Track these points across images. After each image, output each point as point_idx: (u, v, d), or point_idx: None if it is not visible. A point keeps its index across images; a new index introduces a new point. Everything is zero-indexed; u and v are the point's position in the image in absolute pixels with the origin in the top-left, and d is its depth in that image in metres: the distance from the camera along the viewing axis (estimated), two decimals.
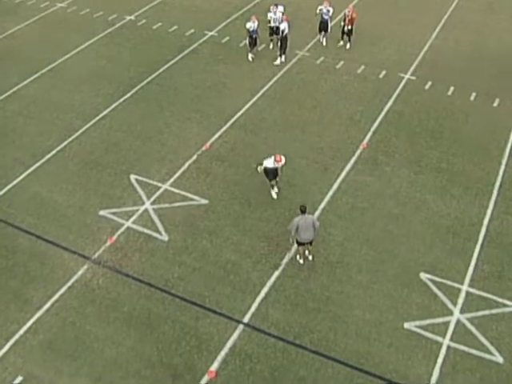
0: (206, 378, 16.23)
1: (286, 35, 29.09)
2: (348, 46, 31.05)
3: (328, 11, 30.39)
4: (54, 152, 24.46)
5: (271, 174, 21.23)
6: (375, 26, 33.46)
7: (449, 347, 16.85)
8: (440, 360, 16.56)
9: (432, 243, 19.94)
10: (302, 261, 19.27)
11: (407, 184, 22.28)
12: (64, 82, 29.20)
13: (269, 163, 20.98)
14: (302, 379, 16.16)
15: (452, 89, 27.87)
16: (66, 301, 18.46)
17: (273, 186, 21.75)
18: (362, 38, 31.79)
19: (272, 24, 30.02)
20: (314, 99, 27.25)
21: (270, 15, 29.99)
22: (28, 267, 19.56)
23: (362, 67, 29.55)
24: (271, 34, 30.66)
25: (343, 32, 30.85)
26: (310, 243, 18.83)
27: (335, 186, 22.20)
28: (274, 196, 21.74)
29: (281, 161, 20.78)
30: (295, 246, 19.30)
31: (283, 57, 29.85)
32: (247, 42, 30.19)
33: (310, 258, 19.37)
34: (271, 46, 31.08)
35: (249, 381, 16.14)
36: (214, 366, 16.50)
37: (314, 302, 18.06)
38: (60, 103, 27.56)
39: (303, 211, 18.36)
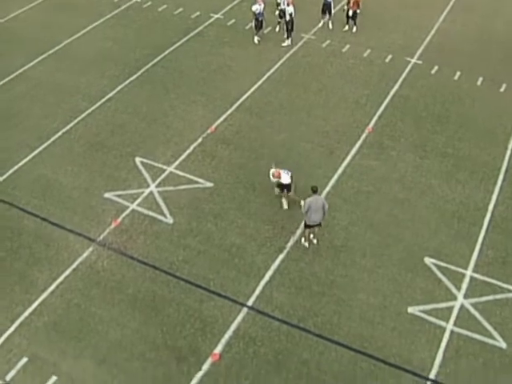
0: (209, 361, 16.31)
1: (292, 18, 28.95)
2: (354, 29, 30.87)
3: None
4: (59, 134, 24.45)
5: (284, 188, 20.53)
6: (382, 9, 33.26)
7: (452, 332, 16.89)
8: (443, 345, 16.61)
9: (437, 228, 19.93)
10: (307, 244, 19.29)
11: (413, 168, 22.23)
12: (70, 63, 29.13)
13: (285, 179, 20.23)
14: (305, 362, 16.22)
15: (458, 73, 27.71)
16: (70, 283, 18.53)
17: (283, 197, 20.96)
18: (368, 21, 31.59)
19: (282, 6, 29.76)
20: (320, 82, 27.15)
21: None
22: (33, 249, 19.62)
23: (368, 51, 29.39)
24: (281, 17, 30.43)
25: (347, 16, 30.67)
26: (319, 225, 18.80)
27: (340, 170, 22.17)
28: (285, 206, 20.88)
29: (279, 176, 20.02)
30: (302, 228, 19.31)
31: (290, 39, 29.70)
32: (253, 24, 30.04)
33: (315, 241, 19.35)
34: (277, 29, 30.93)
35: (252, 364, 16.22)
36: (218, 349, 16.57)
37: (319, 286, 18.09)
38: (65, 85, 27.52)
39: (315, 191, 18.32)
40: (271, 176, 20.24)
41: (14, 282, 18.65)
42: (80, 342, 16.87)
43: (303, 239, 19.41)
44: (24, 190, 21.77)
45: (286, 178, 20.06)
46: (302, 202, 19.29)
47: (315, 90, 26.67)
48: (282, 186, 20.38)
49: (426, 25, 31.63)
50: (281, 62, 28.67)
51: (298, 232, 19.66)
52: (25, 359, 16.50)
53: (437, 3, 33.86)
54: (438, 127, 24.23)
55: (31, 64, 29.18)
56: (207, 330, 17.02)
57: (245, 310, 17.55)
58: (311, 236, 19.34)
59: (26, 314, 17.70)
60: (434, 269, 18.60)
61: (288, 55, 29.13)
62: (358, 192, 21.28)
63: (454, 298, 17.75)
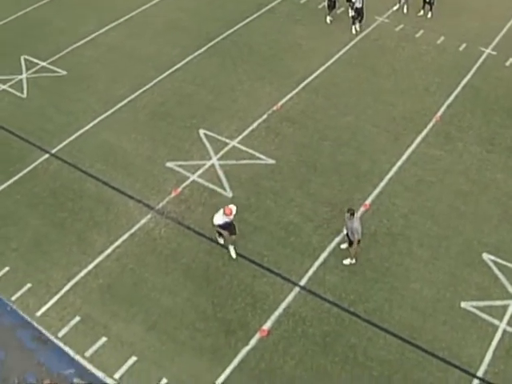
0: (257, 336, 16.40)
1: (362, 6, 28.46)
2: (429, 14, 30.23)
3: None
4: (126, 101, 24.76)
5: (227, 229, 18.07)
6: None
7: (505, 331, 16.54)
8: (494, 343, 16.29)
9: (498, 224, 19.49)
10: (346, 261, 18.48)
11: (478, 161, 21.75)
12: (141, 32, 29.40)
13: (218, 219, 17.77)
14: (352, 347, 16.16)
15: None
16: (127, 248, 18.84)
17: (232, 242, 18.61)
18: (444, 7, 30.86)
19: None
20: (390, 67, 26.73)
21: None
22: (93, 212, 19.99)
23: (442, 38, 28.76)
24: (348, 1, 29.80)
25: (424, 0, 30.05)
26: (350, 244, 17.90)
27: (404, 157, 21.84)
28: (233, 255, 18.59)
29: (231, 213, 17.55)
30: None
31: (358, 25, 29.16)
32: (326, 4, 29.71)
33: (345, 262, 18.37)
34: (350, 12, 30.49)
35: (300, 343, 16.24)
36: (267, 325, 16.64)
37: (373, 272, 17.95)
38: (136, 53, 27.80)
39: (352, 214, 17.20)
40: (224, 218, 17.69)
41: (72, 242, 19.07)
42: (132, 307, 17.18)
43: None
44: (88, 154, 22.16)
45: (219, 219, 17.74)
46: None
47: (385, 74, 26.28)
48: (226, 229, 18.07)
49: (504, 14, 30.68)
50: (352, 43, 28.31)
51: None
52: (77, 318, 16.88)
53: None
54: (508, 121, 23.59)
55: (103, 30, 29.59)
56: (257, 306, 17.10)
57: (296, 289, 17.56)
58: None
59: (82, 274, 18.11)
60: (492, 265, 18.22)
61: (359, 37, 28.74)
62: (420, 181, 20.95)
63: (510, 297, 17.37)
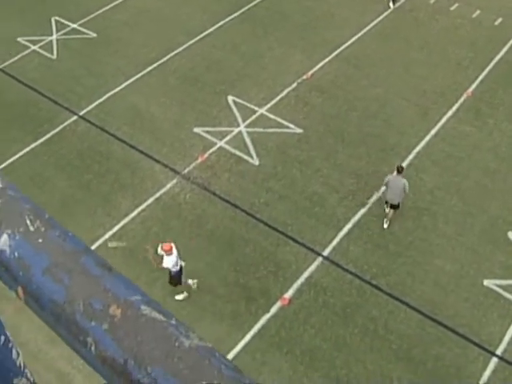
0: (278, 304, 16.50)
1: None
2: None
3: None
4: (155, 65, 24.71)
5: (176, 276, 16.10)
6: None
7: None
8: None
9: None
10: (385, 225, 18.36)
11: (508, 139, 21.47)
12: None
13: (167, 262, 15.49)
14: (373, 319, 16.20)
15: None
16: (152, 211, 18.95)
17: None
18: None
19: None
20: (423, 40, 26.36)
21: None
22: (119, 175, 20.10)
23: (478, 12, 28.23)
24: None
25: None
26: (394, 208, 17.94)
27: (433, 132, 21.63)
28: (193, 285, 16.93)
29: (170, 250, 15.31)
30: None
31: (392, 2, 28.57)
32: None
33: (385, 226, 18.38)
34: None
35: (320, 313, 16.31)
36: (289, 294, 16.73)
37: (396, 245, 17.91)
38: (167, 16, 27.66)
39: (399, 171, 17.66)
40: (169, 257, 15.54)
41: (97, 204, 19.22)
42: (153, 272, 17.24)
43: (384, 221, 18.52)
44: (116, 117, 22.21)
45: (168, 261, 15.52)
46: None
47: (417, 46, 25.92)
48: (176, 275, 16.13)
49: None
50: (385, 14, 27.92)
51: (383, 189, 19.41)
52: None
53: None
54: None
55: None
56: (280, 274, 17.17)
57: (319, 259, 17.59)
58: (386, 215, 18.38)
59: (106, 236, 18.25)
60: None
61: (393, 8, 28.32)
62: (448, 156, 20.76)
63: None
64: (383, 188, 18.11)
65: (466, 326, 16.11)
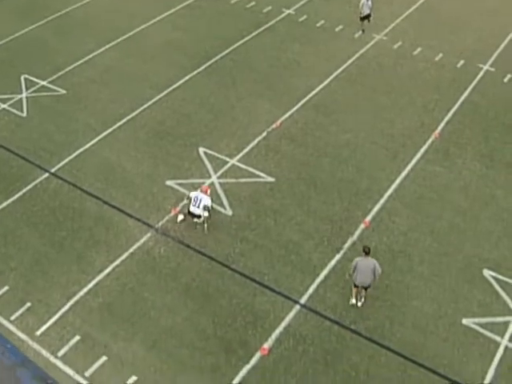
0: (258, 355, 16.32)
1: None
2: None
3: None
4: (125, 120, 24.80)
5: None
6: (456, 14, 32.58)
7: (507, 348, 16.47)
8: (496, 360, 16.21)
9: (498, 240, 19.45)
10: (354, 301, 17.68)
11: (478, 178, 21.75)
12: (139, 51, 29.51)
13: (206, 200, 19.61)
14: (354, 365, 16.07)
15: None
16: (126, 266, 18.79)
17: None
18: (441, 25, 31.07)
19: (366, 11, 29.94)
20: (389, 84, 26.82)
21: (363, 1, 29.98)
22: (93, 231, 19.96)
23: (440, 55, 28.87)
24: (362, 20, 30.23)
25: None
26: (365, 288, 17.40)
27: (403, 174, 21.85)
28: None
29: (207, 191, 19.94)
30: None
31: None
32: None
33: (359, 304, 17.55)
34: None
35: (301, 362, 16.15)
36: (268, 344, 16.56)
37: (373, 289, 17.84)
38: (134, 72, 27.89)
39: (366, 252, 16.97)
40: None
41: (72, 261, 19.03)
42: (132, 326, 17.09)
43: (351, 296, 17.70)
44: (88, 173, 22.16)
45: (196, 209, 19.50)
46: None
47: (383, 91, 26.36)
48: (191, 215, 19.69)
49: (501, 31, 30.84)
50: (350, 61, 28.42)
51: (357, 233, 19.47)
52: (77, 337, 16.81)
53: None
54: (507, 137, 23.62)
55: (101, 50, 29.72)
56: (258, 324, 17.03)
57: (297, 307, 17.49)
58: (358, 296, 17.63)
59: (82, 293, 18.04)
60: (493, 282, 18.17)
61: (358, 55, 28.86)
62: (420, 198, 20.94)
63: (511, 313, 17.37)
64: (351, 271, 17.18)
65: (448, 367, 16.04)
